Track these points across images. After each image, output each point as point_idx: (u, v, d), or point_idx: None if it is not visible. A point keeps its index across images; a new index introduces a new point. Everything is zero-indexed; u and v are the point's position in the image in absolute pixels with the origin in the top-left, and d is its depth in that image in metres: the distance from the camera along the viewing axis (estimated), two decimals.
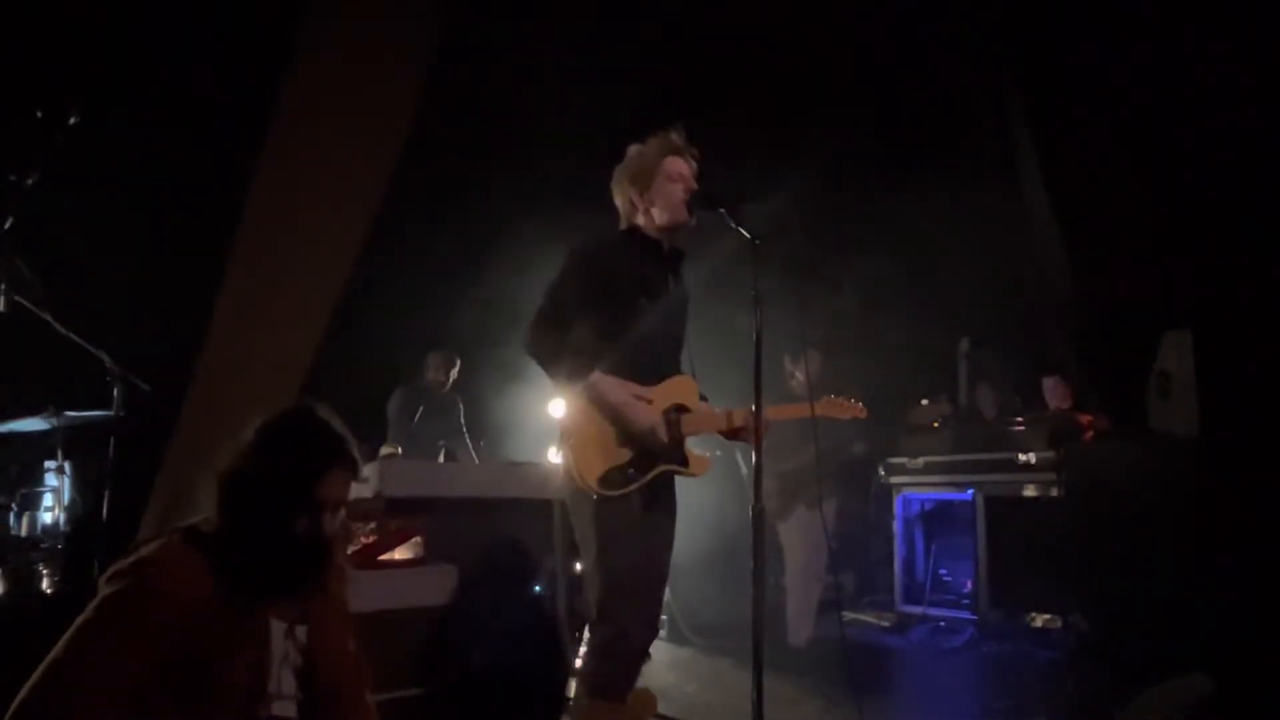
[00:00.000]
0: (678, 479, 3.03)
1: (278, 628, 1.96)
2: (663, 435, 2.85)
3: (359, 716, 2.11)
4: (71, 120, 2.03)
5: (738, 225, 2.77)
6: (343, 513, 2.01)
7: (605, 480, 2.79)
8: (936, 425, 6.46)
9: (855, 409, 3.25)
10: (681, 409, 2.94)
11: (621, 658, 2.81)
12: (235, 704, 1.86)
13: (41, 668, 1.71)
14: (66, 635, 1.74)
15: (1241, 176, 4.75)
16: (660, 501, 2.93)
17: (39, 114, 1.99)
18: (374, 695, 2.17)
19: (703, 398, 3.06)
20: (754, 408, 2.69)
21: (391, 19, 6.03)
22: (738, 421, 2.95)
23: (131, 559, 1.82)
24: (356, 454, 2.01)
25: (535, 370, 2.96)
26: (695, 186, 2.97)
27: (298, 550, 1.91)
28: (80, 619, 1.76)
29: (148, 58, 4.75)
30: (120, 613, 1.76)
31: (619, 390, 2.83)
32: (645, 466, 2.84)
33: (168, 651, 1.75)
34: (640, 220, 3.03)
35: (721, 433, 3.00)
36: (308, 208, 5.38)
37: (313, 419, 2.00)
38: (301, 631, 2.00)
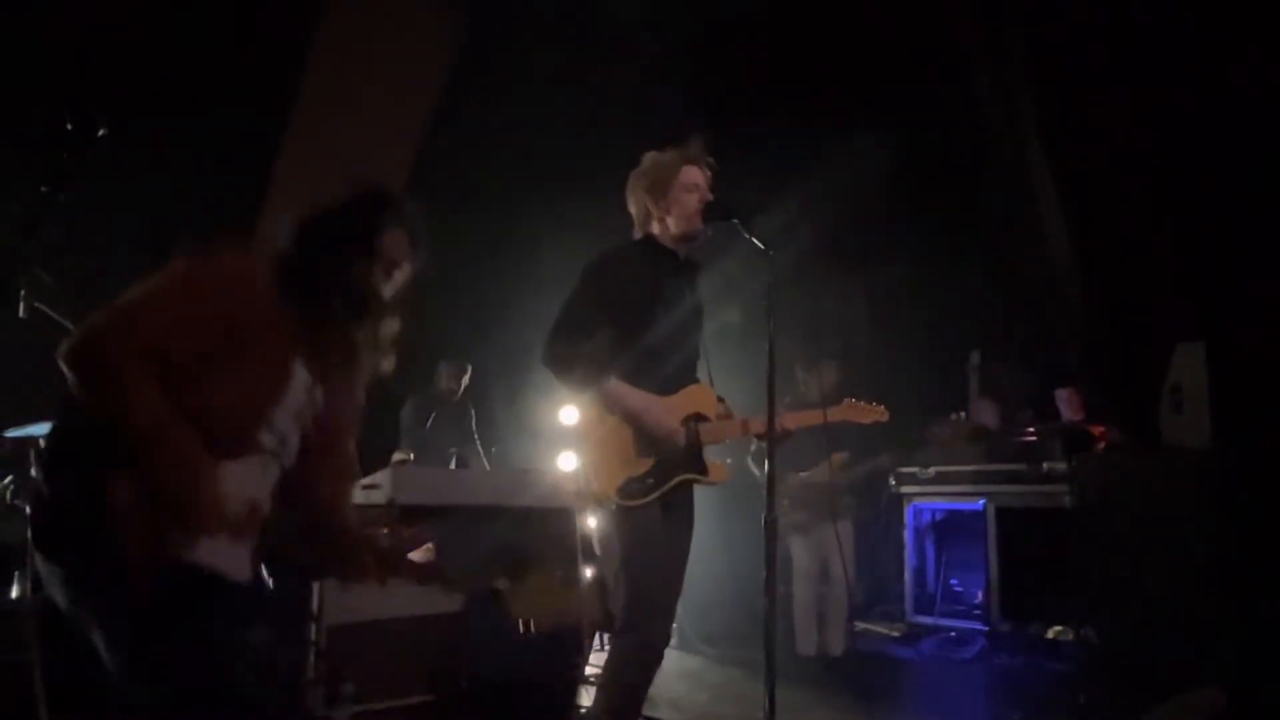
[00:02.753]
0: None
1: (304, 378, 2.05)
2: (680, 440, 2.86)
3: (340, 464, 2.21)
4: (101, 132, 2.09)
5: (751, 235, 2.78)
6: (399, 276, 2.15)
7: (624, 490, 2.80)
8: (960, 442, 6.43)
9: (877, 412, 3.25)
10: (700, 418, 2.95)
11: (645, 667, 2.83)
12: (243, 412, 1.93)
13: (111, 307, 1.82)
14: (139, 289, 1.85)
15: (1256, 188, 4.74)
16: (680, 511, 2.94)
17: (69, 126, 2.05)
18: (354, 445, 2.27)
19: (720, 399, 3.07)
20: (768, 415, 2.70)
21: (408, 30, 6.07)
22: (755, 429, 2.95)
23: (208, 249, 1.94)
24: (421, 231, 2.18)
25: (547, 378, 2.98)
26: (710, 196, 2.99)
27: (348, 288, 2.06)
28: (152, 282, 1.87)
29: (168, 70, 4.80)
30: (193, 280, 1.89)
31: (636, 394, 2.84)
32: (664, 476, 2.85)
33: (216, 329, 1.86)
34: (655, 229, 3.05)
35: (757, 436, 2.99)
36: None
37: (392, 192, 2.19)
38: (320, 392, 2.10)
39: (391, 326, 2.18)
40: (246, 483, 1.94)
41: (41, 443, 1.83)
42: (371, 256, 2.09)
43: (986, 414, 6.64)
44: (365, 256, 2.08)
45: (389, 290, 2.14)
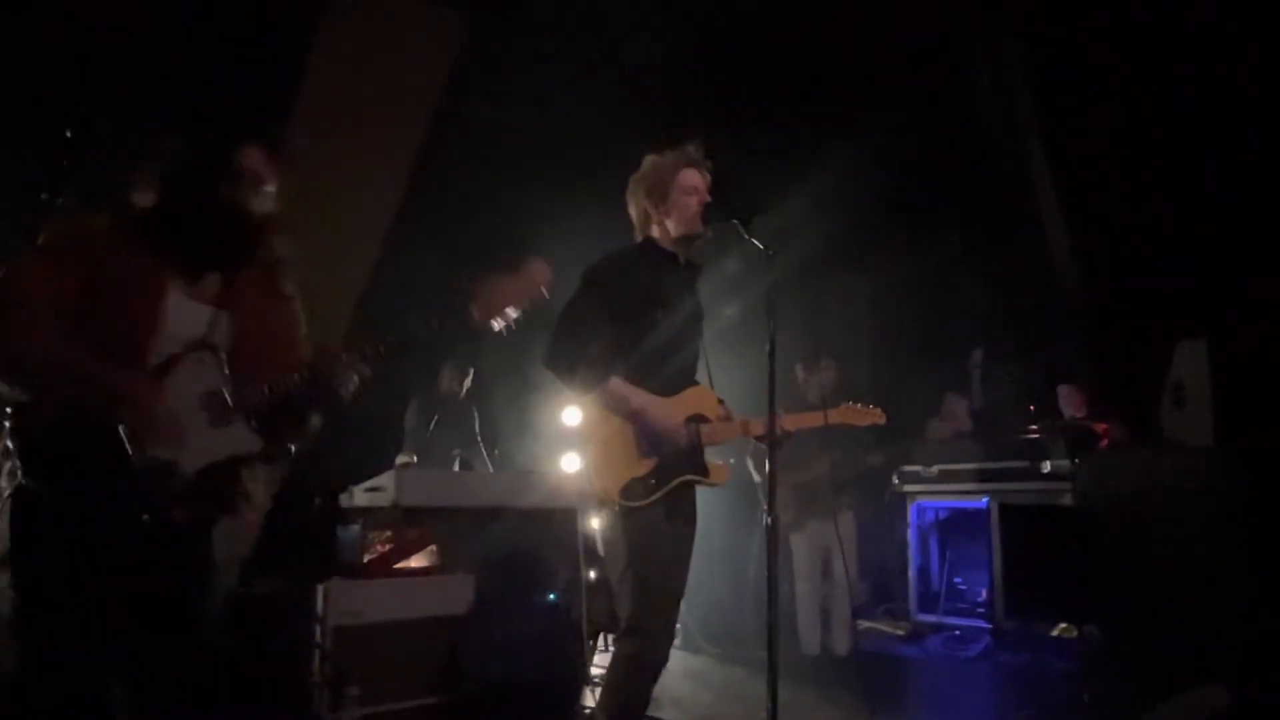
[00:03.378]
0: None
1: (203, 312, 2.16)
2: (682, 437, 2.86)
3: (292, 358, 2.29)
4: (101, 137, 2.15)
5: (751, 237, 2.78)
6: (267, 189, 2.21)
7: (627, 491, 2.80)
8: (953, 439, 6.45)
9: (875, 415, 3.25)
10: (701, 419, 2.95)
11: (649, 668, 2.83)
12: (121, 345, 2.06)
13: None
14: (10, 265, 2.05)
15: (1256, 186, 4.74)
16: (682, 512, 2.94)
17: (68, 134, 2.11)
18: (307, 349, 2.37)
19: (720, 401, 3.07)
20: (769, 417, 2.70)
21: (408, 30, 6.07)
22: (755, 431, 2.94)
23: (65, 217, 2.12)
24: (266, 143, 2.25)
25: (549, 380, 2.98)
26: (709, 198, 2.99)
27: (221, 214, 2.13)
28: (21, 256, 2.07)
29: (167, 70, 4.81)
30: (51, 246, 2.09)
31: (638, 393, 2.84)
32: (666, 477, 2.85)
33: (72, 280, 2.03)
34: (655, 232, 3.05)
35: (756, 438, 2.98)
36: (324, 221, 5.43)
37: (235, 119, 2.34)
38: (226, 317, 2.19)
39: (282, 244, 2.26)
40: (182, 385, 2.08)
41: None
42: (232, 176, 2.15)
43: (957, 410, 6.65)
44: (227, 178, 2.14)
45: (261, 205, 2.20)
